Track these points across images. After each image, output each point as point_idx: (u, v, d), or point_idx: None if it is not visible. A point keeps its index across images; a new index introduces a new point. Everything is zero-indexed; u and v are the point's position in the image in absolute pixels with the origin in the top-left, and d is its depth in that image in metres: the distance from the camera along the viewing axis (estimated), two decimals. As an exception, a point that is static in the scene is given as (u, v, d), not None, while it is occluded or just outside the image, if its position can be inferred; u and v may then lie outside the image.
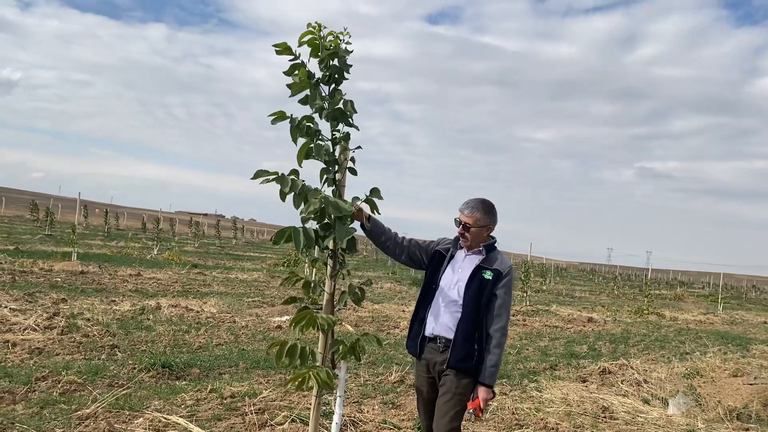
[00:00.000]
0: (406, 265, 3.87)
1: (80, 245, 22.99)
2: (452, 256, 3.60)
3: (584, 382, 8.06)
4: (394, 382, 6.82)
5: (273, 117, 3.15)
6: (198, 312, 10.41)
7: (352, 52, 3.08)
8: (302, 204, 3.05)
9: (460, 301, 3.44)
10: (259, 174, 2.96)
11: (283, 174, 3.01)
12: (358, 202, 3.29)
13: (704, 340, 13.79)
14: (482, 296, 3.40)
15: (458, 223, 3.55)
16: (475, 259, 3.53)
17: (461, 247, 3.60)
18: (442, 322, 3.47)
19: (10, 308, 8.89)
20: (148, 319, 9.28)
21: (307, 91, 3.14)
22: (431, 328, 3.51)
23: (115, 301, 10.82)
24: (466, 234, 3.51)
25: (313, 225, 3.16)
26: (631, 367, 9.04)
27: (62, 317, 8.46)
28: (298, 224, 3.07)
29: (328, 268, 3.33)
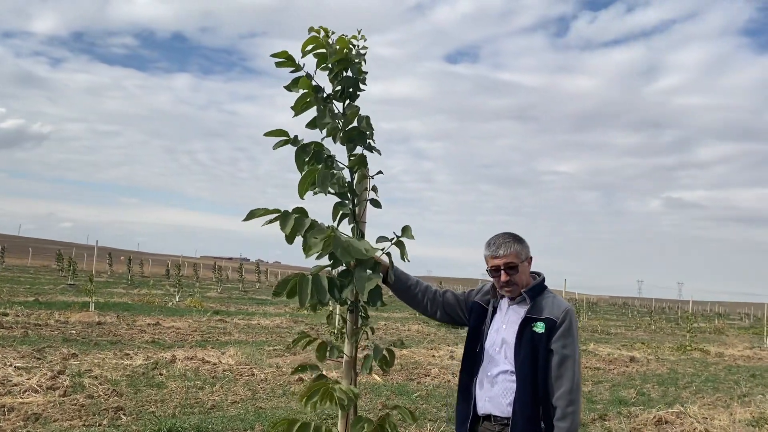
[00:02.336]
0: (444, 323, 3.13)
1: (101, 294, 22.63)
2: (495, 309, 2.86)
3: (640, 435, 7.23)
4: (429, 443, 6.08)
5: (277, 142, 2.54)
6: (215, 364, 9.77)
7: (366, 52, 2.47)
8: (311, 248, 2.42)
9: (512, 368, 2.71)
10: (254, 214, 2.28)
11: (286, 211, 2.37)
12: (383, 243, 2.66)
13: (764, 379, 12.76)
14: (537, 358, 2.65)
15: (496, 270, 2.75)
16: (521, 310, 2.77)
17: (503, 296, 2.85)
18: (495, 396, 2.74)
19: (15, 366, 8.33)
20: (161, 375, 8.65)
21: (314, 110, 2.54)
22: (482, 405, 2.79)
23: (128, 354, 10.23)
24: (513, 278, 2.73)
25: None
26: (690, 415, 8.17)
27: (67, 376, 7.87)
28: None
29: (348, 324, 2.72)
